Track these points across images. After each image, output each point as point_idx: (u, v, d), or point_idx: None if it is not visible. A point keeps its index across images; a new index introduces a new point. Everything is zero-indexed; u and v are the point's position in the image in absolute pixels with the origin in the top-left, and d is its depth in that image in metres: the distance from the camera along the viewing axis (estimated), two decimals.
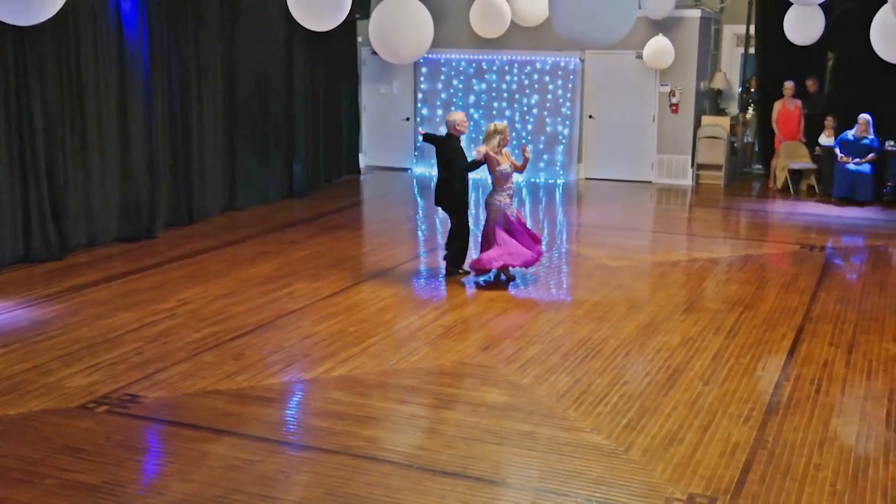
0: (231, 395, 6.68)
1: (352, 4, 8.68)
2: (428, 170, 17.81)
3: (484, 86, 17.44)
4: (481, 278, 9.84)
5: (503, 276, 9.83)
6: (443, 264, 10.17)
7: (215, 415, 6.33)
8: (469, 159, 9.78)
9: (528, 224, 10.33)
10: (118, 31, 11.30)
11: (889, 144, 14.99)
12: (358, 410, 6.45)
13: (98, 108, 11.10)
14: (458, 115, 9.90)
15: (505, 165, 9.59)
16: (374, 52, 16.45)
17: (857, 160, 14.77)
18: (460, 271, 9.99)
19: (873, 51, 9.86)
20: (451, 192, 9.84)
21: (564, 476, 5.48)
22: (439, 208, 10.21)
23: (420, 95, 17.85)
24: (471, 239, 10.20)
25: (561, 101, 16.96)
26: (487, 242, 9.73)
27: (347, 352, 7.61)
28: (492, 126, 9.70)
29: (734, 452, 5.80)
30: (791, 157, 16.02)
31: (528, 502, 5.20)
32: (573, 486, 5.35)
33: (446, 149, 9.82)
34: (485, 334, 8.14)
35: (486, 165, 9.61)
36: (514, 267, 9.71)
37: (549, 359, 7.49)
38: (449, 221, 10.11)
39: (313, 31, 9.15)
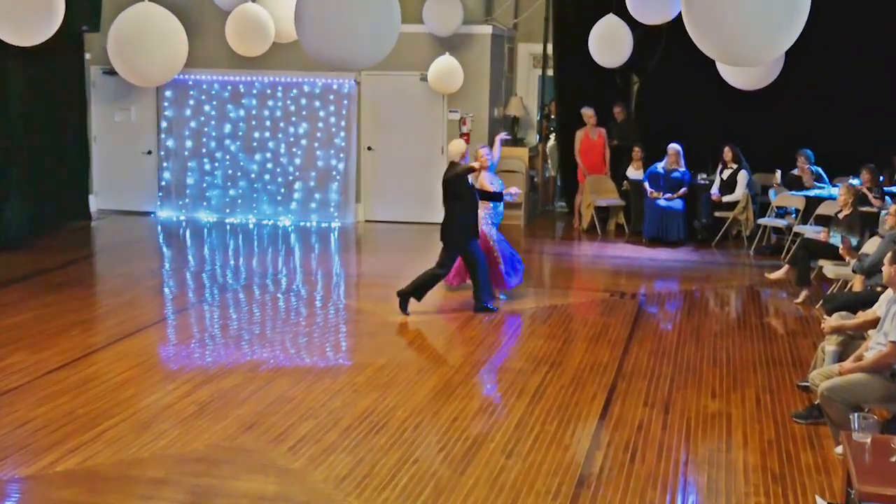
0: None
1: (78, 15, 8.46)
2: (175, 213, 17.48)
3: (242, 112, 17.34)
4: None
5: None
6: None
7: None
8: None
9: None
10: None
11: (701, 178, 15.81)
12: None
13: None
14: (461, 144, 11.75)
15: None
16: (108, 73, 16.23)
17: (669, 195, 15.48)
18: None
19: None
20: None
21: None
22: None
23: (164, 124, 17.55)
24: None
25: (334, 130, 17.08)
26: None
27: (77, 439, 7.33)
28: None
29: None
30: (597, 192, 16.56)
31: None
32: None
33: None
34: (248, 410, 8.03)
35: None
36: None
37: (326, 436, 7.47)
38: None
39: (28, 47, 8.84)
